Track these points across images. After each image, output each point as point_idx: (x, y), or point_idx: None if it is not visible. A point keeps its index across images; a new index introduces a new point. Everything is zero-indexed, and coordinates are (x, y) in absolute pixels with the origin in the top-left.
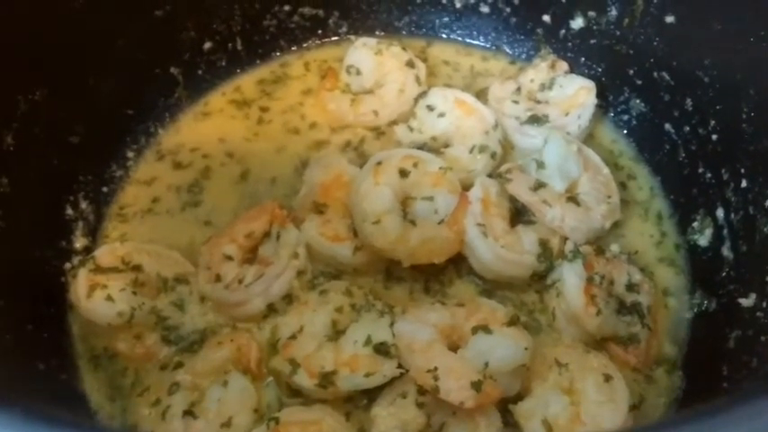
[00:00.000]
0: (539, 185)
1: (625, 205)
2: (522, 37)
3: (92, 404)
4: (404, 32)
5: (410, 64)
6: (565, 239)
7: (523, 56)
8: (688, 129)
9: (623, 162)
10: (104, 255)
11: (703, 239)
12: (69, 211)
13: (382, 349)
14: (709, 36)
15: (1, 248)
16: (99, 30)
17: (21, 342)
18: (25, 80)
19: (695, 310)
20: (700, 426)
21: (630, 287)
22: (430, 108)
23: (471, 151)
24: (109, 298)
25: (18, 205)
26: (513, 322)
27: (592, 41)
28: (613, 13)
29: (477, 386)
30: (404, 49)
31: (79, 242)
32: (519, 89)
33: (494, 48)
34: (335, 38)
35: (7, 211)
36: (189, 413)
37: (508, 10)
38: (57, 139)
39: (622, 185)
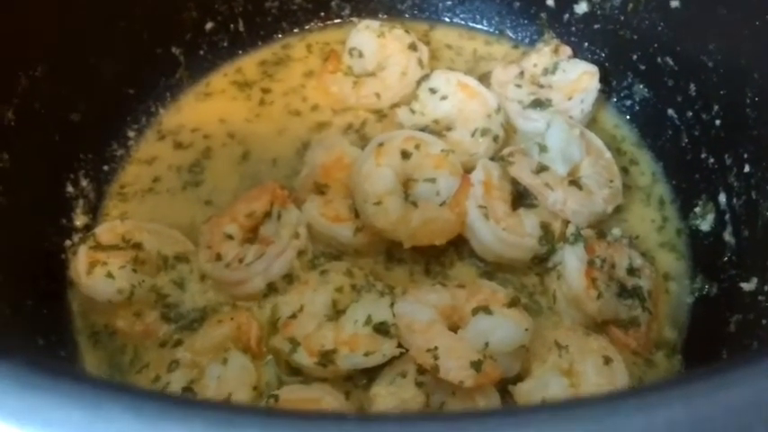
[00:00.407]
0: (541, 169)
1: (627, 190)
2: (526, 21)
3: None
4: (407, 16)
5: (413, 47)
6: (566, 223)
7: (527, 40)
8: (691, 114)
9: (626, 147)
10: (105, 232)
11: (705, 224)
12: (70, 189)
13: (382, 329)
14: (713, 21)
15: (1, 224)
16: (100, 8)
17: (20, 317)
18: (26, 56)
19: (696, 295)
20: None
21: (631, 271)
22: (432, 91)
23: (473, 134)
24: (109, 275)
25: (18, 181)
26: (513, 303)
27: (595, 26)
28: None
29: (476, 366)
30: (407, 32)
31: (79, 220)
32: (522, 73)
33: (497, 32)
34: (338, 20)
35: (7, 186)
36: (188, 390)
37: None
38: (57, 116)
39: (624, 170)
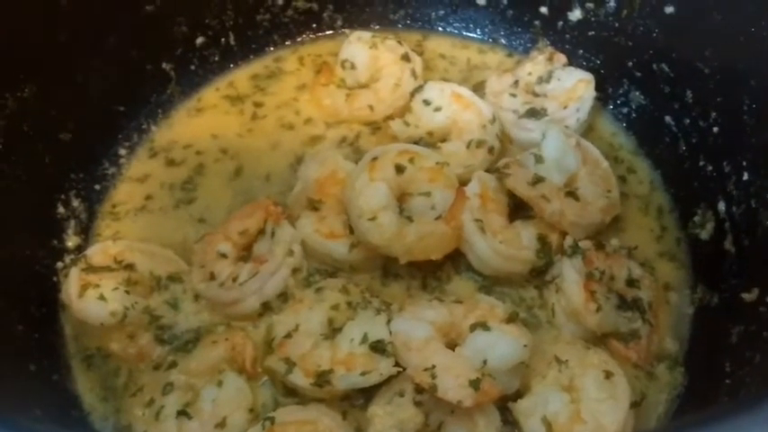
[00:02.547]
0: (537, 180)
1: (625, 199)
2: (519, 29)
3: (85, 405)
4: (399, 26)
5: (406, 58)
6: (564, 234)
7: (520, 48)
8: (688, 121)
9: (623, 155)
10: (97, 253)
11: (705, 233)
12: (61, 210)
13: (379, 347)
14: (709, 27)
15: None
16: (89, 25)
17: (11, 343)
18: (13, 77)
19: (697, 305)
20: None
21: (631, 282)
22: (426, 102)
23: (468, 146)
24: (101, 297)
25: (8, 204)
26: (512, 319)
27: (590, 33)
28: (612, 4)
29: (475, 384)
30: (399, 42)
31: (71, 241)
32: (516, 82)
33: (490, 40)
34: (330, 32)
35: None
36: (183, 413)
37: (505, 2)
38: (47, 136)
39: (622, 179)
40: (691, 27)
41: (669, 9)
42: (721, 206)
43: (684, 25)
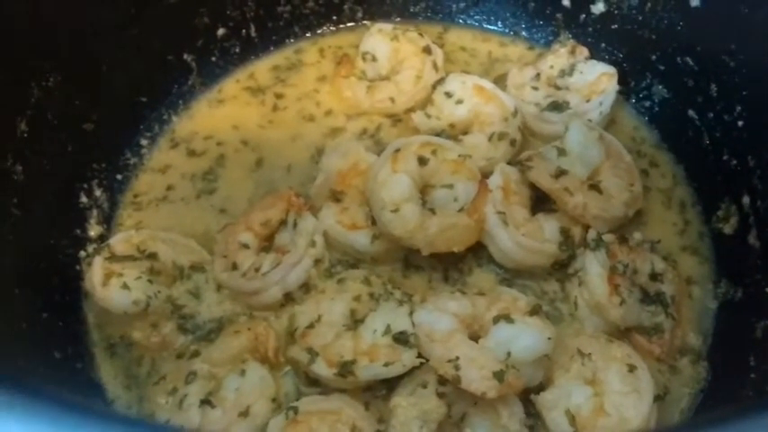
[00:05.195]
0: (560, 173)
1: (647, 192)
2: (541, 22)
3: (108, 393)
4: (420, 18)
5: (427, 50)
6: (587, 228)
7: (542, 41)
8: (712, 115)
9: (646, 149)
10: (119, 243)
11: (728, 228)
12: (83, 199)
13: (402, 338)
14: (735, 20)
15: (15, 236)
16: (112, 16)
17: (36, 330)
18: (38, 66)
19: (720, 300)
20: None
21: (654, 276)
22: (448, 95)
23: (490, 138)
24: (124, 286)
25: (32, 193)
26: (535, 311)
27: (613, 26)
28: None
29: (499, 376)
30: (420, 34)
31: (94, 230)
32: (538, 75)
33: (512, 33)
34: (351, 24)
35: (21, 198)
36: (206, 402)
37: None
38: (70, 126)
39: (645, 173)
40: (716, 20)
41: (695, 2)
42: (746, 200)
43: (710, 18)
